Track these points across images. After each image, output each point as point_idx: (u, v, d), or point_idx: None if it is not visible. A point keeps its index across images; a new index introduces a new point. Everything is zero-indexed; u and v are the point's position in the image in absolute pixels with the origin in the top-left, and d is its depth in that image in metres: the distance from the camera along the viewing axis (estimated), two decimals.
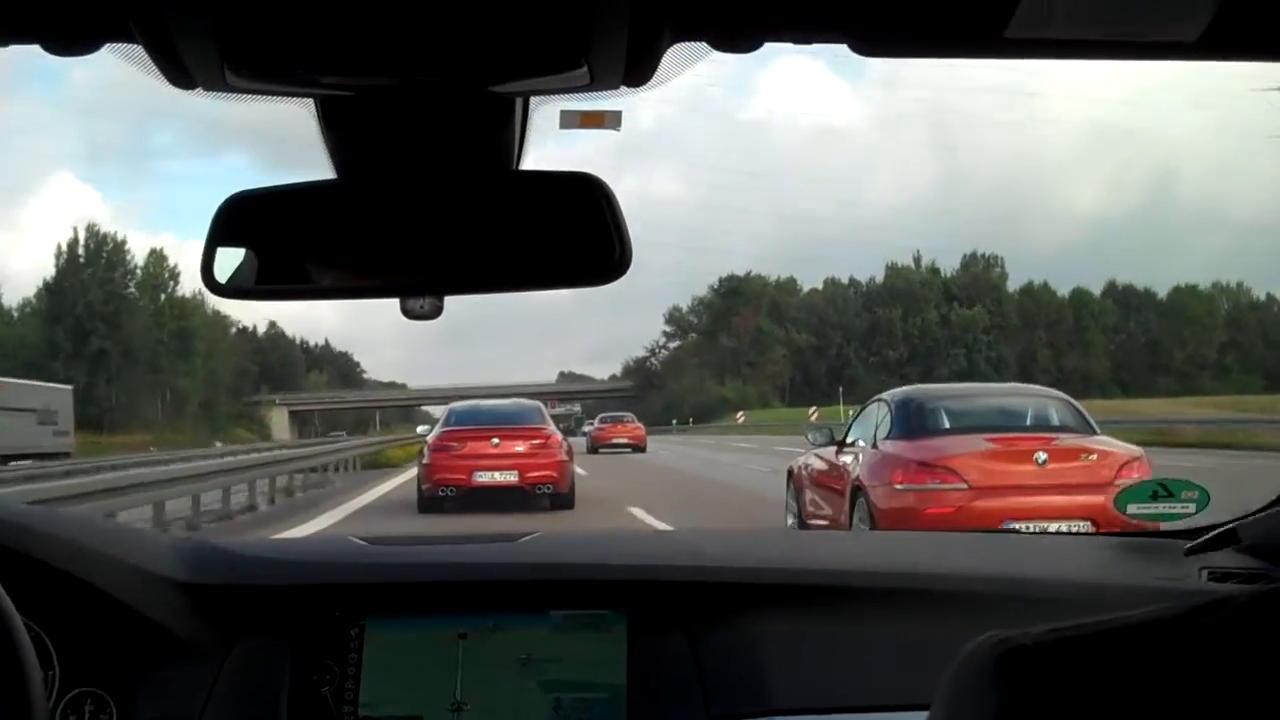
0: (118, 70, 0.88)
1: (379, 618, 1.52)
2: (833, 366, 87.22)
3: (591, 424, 39.16)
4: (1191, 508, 1.82)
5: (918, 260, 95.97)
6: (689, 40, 0.89)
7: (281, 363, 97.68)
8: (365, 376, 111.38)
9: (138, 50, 0.87)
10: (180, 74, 0.89)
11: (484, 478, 13.62)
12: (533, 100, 1.03)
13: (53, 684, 1.41)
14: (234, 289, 1.07)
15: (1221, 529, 1.63)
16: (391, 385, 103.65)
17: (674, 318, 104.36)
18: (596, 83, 0.94)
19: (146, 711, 1.44)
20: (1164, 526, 1.82)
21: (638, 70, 0.93)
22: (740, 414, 66.74)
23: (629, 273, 1.06)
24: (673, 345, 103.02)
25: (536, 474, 13.70)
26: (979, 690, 0.58)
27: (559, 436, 14.33)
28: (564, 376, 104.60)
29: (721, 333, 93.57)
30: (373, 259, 1.08)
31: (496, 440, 13.79)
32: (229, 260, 1.07)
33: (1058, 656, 0.58)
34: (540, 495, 13.73)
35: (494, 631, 1.51)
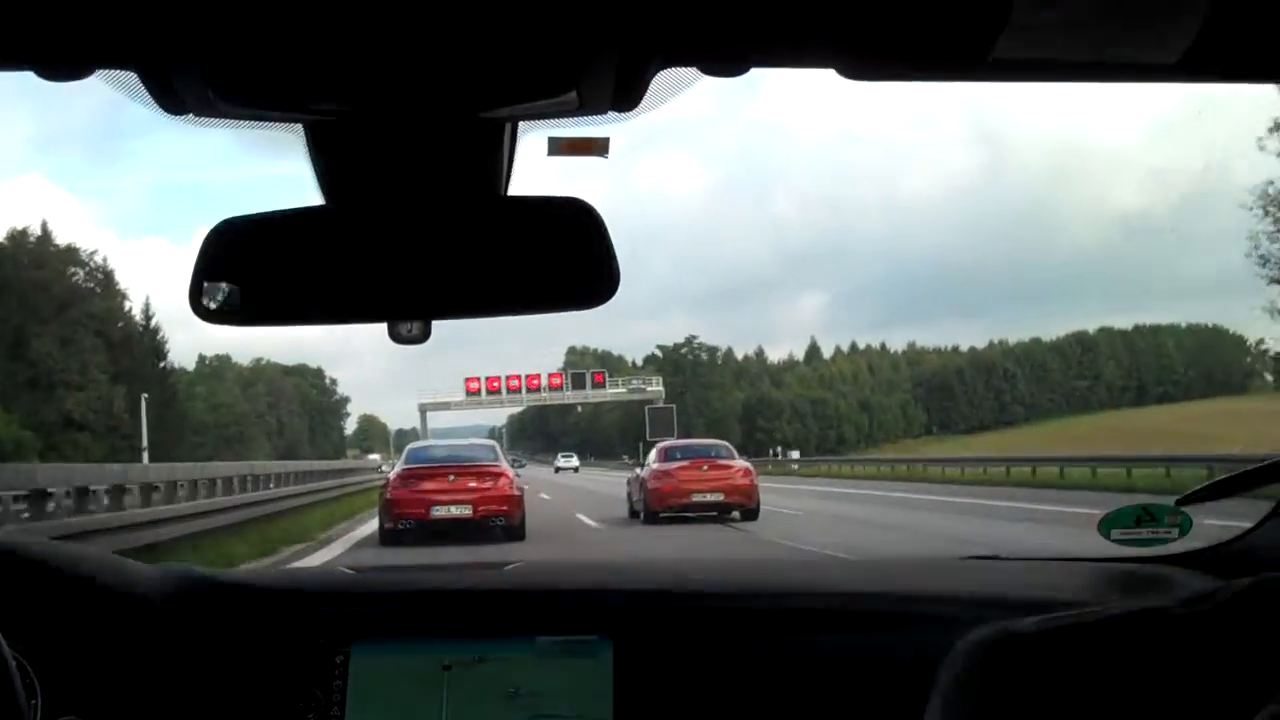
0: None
1: (364, 643, 1.51)
2: None
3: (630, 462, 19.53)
4: (1175, 532, 1.82)
5: None
6: (678, 65, 0.90)
7: None
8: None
9: (129, 76, 0.87)
10: (170, 99, 0.90)
11: (440, 512, 14.78)
12: (521, 125, 1.04)
13: (35, 712, 1.39)
14: (224, 315, 1.07)
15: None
16: None
17: None
18: (585, 107, 0.95)
19: None
20: (1148, 552, 1.82)
21: (627, 95, 0.94)
22: None
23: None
24: None
25: (488, 507, 14.85)
26: (980, 677, 0.58)
27: (511, 473, 15.61)
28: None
29: None
30: (362, 284, 1.09)
31: (453, 477, 15.03)
32: (218, 287, 1.07)
33: (1057, 644, 0.58)
34: (493, 527, 14.72)
35: (479, 662, 1.50)
